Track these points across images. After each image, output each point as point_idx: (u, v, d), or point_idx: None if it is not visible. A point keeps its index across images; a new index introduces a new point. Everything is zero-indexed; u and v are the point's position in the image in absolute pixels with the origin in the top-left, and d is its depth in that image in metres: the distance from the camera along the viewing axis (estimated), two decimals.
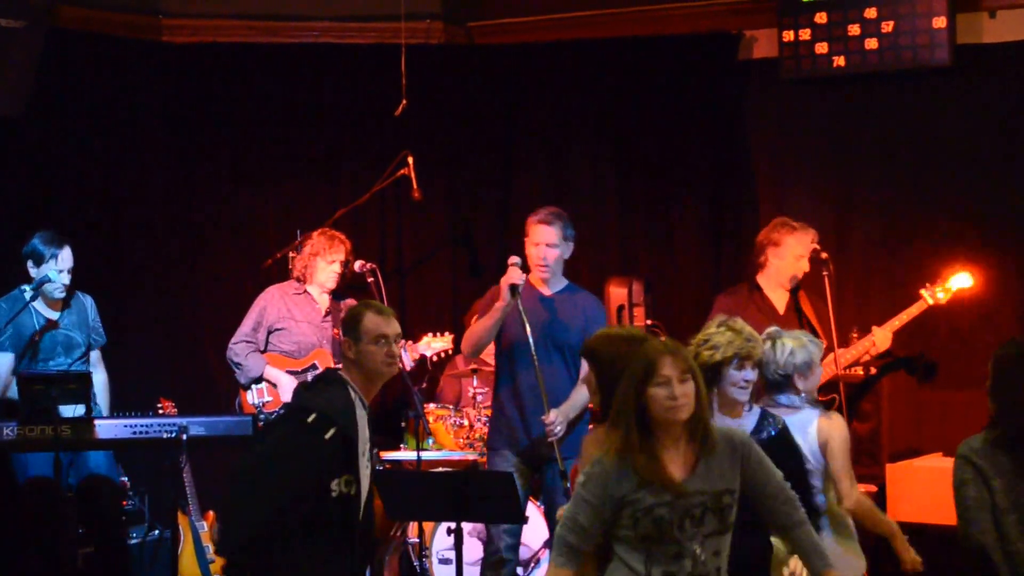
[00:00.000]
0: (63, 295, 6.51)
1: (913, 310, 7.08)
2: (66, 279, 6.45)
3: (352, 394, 4.70)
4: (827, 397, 6.70)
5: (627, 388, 3.82)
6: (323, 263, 7.25)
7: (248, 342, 7.16)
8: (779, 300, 6.96)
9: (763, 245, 6.98)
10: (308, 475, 4.53)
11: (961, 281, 7.13)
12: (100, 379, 6.61)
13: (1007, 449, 4.56)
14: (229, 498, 4.52)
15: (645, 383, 3.79)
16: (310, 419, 4.51)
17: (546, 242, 6.13)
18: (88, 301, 6.69)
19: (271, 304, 7.26)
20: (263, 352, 7.19)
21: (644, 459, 3.78)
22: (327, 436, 4.51)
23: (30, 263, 6.47)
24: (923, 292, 7.10)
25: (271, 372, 7.10)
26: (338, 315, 7.20)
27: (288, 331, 7.21)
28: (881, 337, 7.03)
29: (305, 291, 7.31)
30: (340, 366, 4.92)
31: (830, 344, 6.77)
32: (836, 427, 5.06)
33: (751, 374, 4.65)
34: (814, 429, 5.03)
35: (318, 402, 4.61)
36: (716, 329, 4.69)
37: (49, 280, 6.38)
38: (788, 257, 6.89)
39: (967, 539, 4.58)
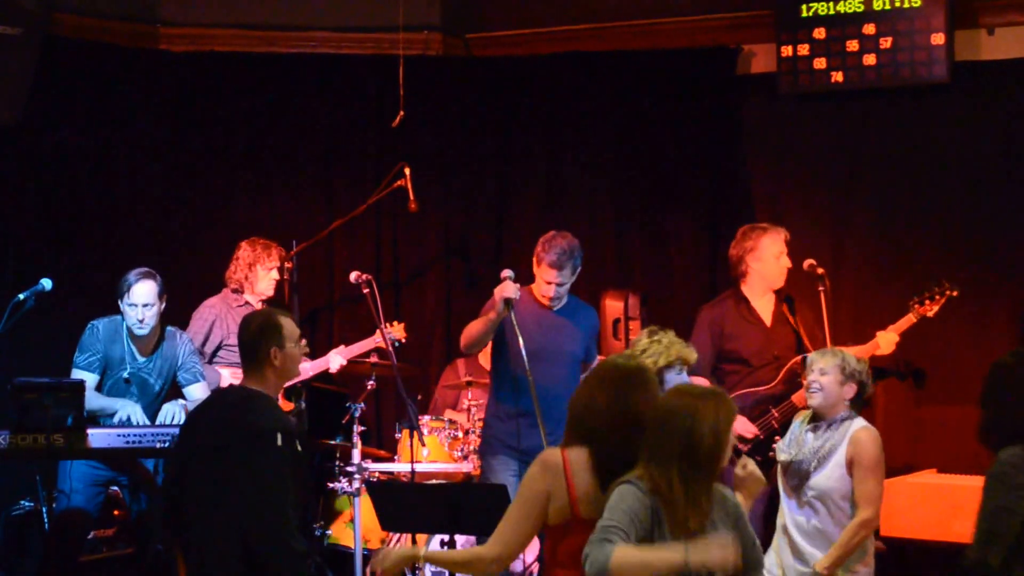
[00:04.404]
0: (142, 331, 6.39)
1: (902, 323, 6.95)
2: (141, 314, 6.32)
3: None
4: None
5: (720, 433, 3.83)
6: (263, 271, 7.34)
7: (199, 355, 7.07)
8: (765, 309, 6.90)
9: (739, 255, 6.90)
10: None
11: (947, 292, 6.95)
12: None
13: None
14: (274, 531, 4.39)
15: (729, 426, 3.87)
16: (279, 441, 4.41)
17: (557, 282, 6.29)
18: (180, 341, 6.58)
19: (219, 321, 7.27)
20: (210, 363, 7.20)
21: (691, 510, 3.80)
22: (299, 449, 4.49)
23: (118, 295, 6.39)
24: (915, 306, 6.96)
25: (228, 379, 7.11)
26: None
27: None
28: (886, 341, 6.92)
29: (246, 302, 7.34)
30: (244, 381, 4.69)
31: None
32: None
33: (685, 376, 4.90)
34: None
35: (275, 421, 4.49)
36: (648, 340, 4.94)
37: (43, 288, 6.33)
38: (768, 259, 6.84)
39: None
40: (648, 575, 3.67)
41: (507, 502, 5.13)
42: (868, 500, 5.27)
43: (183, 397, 6.53)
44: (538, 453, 6.04)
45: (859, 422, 5.37)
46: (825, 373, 5.34)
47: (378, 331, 7.39)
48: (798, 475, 5.32)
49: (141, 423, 6.21)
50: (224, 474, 4.44)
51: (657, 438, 3.86)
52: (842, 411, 5.35)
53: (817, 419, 5.41)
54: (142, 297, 6.32)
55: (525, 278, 6.44)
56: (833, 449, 5.29)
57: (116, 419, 6.21)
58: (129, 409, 6.24)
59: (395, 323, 7.59)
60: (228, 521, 4.42)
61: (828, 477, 5.28)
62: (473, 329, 6.26)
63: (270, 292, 7.43)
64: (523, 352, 5.98)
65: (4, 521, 6.88)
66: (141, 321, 6.34)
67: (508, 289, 6.09)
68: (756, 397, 6.64)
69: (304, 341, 4.75)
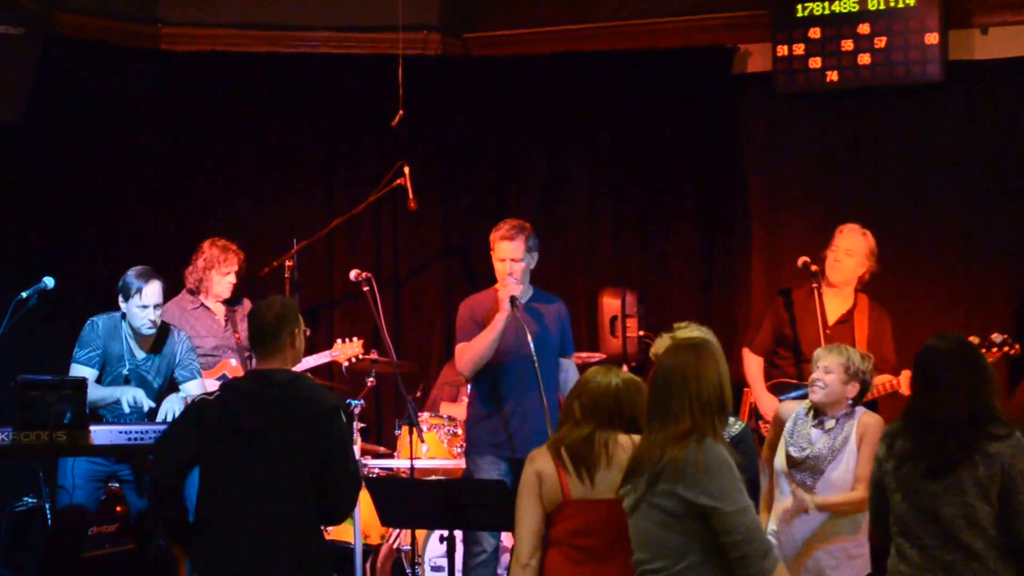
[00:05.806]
0: (151, 331, 6.40)
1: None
2: (152, 315, 6.34)
3: None
4: None
5: (726, 377, 4.12)
6: (217, 276, 7.31)
7: None
8: (834, 307, 6.86)
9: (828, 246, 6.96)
10: None
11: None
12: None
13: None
14: (348, 478, 4.69)
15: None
16: (343, 418, 4.68)
17: (511, 257, 6.20)
18: (178, 339, 6.59)
19: (174, 325, 7.24)
20: None
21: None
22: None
23: (120, 296, 6.38)
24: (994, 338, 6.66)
25: None
26: (235, 320, 7.32)
27: (196, 348, 7.20)
28: (908, 382, 6.72)
29: (201, 304, 7.35)
30: (266, 364, 4.77)
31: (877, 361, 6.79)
32: None
33: None
34: None
35: (335, 400, 4.77)
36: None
37: (45, 286, 6.37)
38: (839, 251, 6.88)
39: None
40: None
41: (506, 497, 5.19)
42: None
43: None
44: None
45: (862, 410, 5.40)
46: (829, 371, 5.34)
47: (336, 342, 7.49)
48: (813, 473, 5.32)
49: (147, 406, 6.25)
50: (292, 444, 4.57)
51: (695, 393, 4.03)
52: (844, 408, 5.37)
53: (819, 414, 5.41)
54: (153, 298, 6.34)
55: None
56: (845, 441, 5.31)
57: (125, 403, 6.23)
58: (132, 392, 6.26)
59: (355, 339, 7.53)
60: (293, 477, 4.57)
61: (846, 471, 5.29)
62: (482, 344, 6.11)
63: (226, 295, 7.35)
64: (532, 348, 5.94)
65: (7, 517, 6.92)
66: (153, 322, 6.38)
67: (511, 287, 6.06)
68: (791, 389, 6.63)
69: (308, 332, 4.92)
